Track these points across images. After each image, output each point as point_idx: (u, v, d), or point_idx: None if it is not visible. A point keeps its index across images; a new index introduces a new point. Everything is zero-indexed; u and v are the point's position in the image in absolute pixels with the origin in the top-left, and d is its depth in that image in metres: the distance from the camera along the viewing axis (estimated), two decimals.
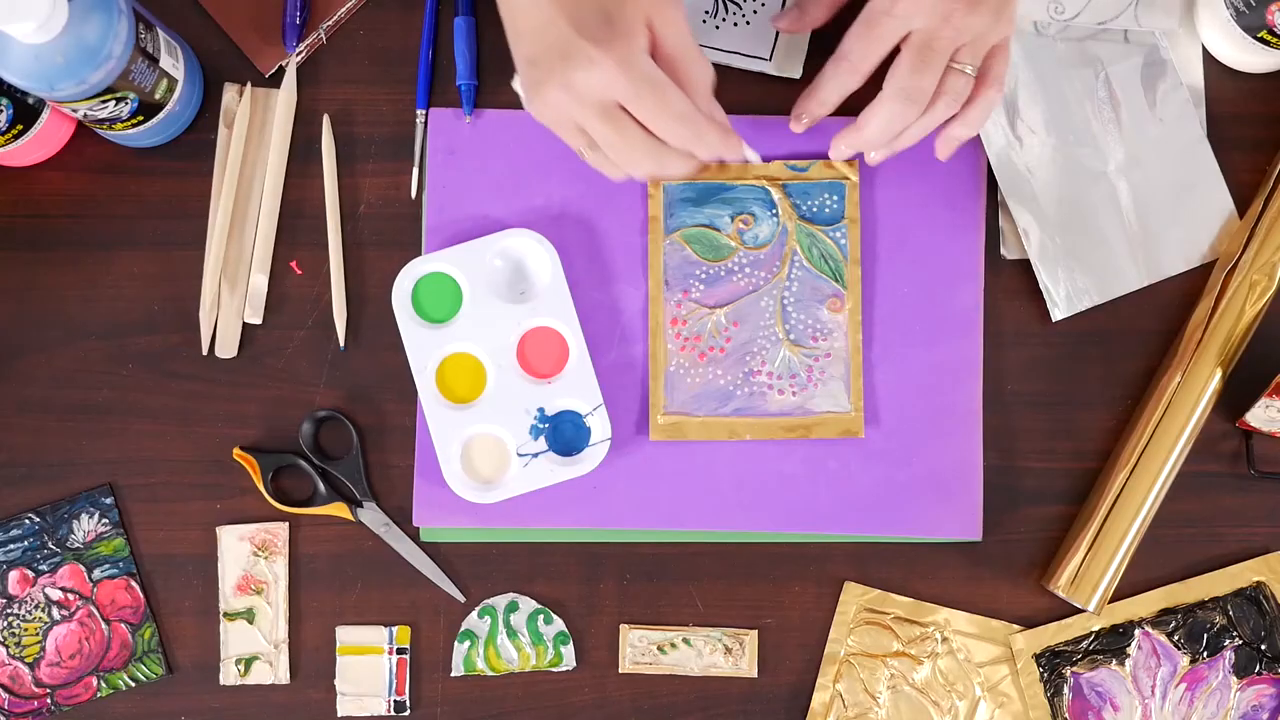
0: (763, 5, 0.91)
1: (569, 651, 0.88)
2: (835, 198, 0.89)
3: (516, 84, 0.84)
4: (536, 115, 0.77)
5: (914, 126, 0.82)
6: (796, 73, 0.90)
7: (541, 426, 0.87)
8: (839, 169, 0.89)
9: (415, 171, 0.90)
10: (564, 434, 0.87)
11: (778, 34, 0.90)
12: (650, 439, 0.87)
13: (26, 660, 0.88)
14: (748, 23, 0.91)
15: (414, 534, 0.89)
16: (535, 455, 0.87)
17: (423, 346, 0.87)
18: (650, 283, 0.88)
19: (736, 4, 0.91)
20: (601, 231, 0.89)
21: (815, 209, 0.89)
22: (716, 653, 0.88)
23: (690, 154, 0.77)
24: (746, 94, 0.91)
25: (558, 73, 0.73)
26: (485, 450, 0.88)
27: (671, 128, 0.75)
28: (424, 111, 0.90)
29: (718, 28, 0.91)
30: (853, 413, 0.87)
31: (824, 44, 0.87)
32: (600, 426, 0.87)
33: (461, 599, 0.88)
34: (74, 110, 0.82)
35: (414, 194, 0.90)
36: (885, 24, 0.80)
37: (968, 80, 0.81)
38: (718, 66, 0.89)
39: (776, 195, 0.89)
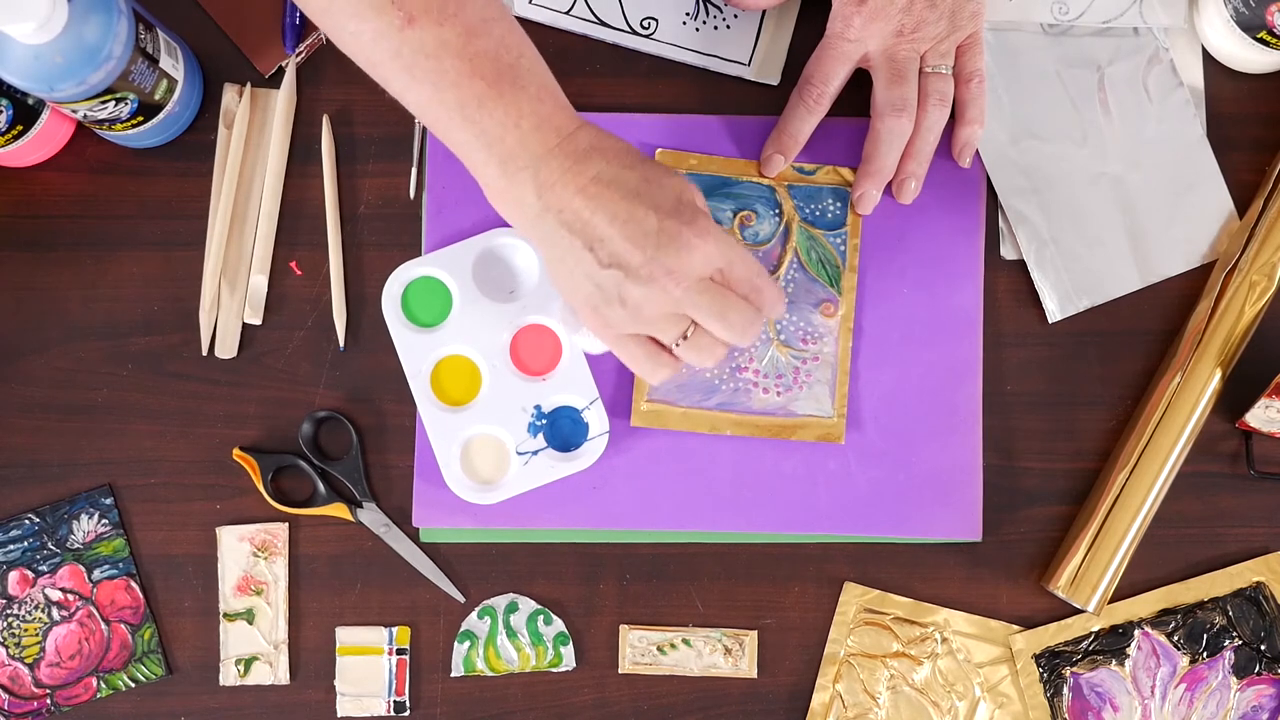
0: (743, 10, 0.91)
1: (569, 652, 0.88)
2: (839, 203, 0.89)
3: (563, 321, 0.84)
4: (617, 323, 0.75)
5: (918, 141, 0.85)
6: (775, 79, 0.90)
7: (539, 424, 0.87)
8: (845, 175, 0.89)
9: (414, 171, 0.90)
10: (562, 430, 0.88)
11: (757, 39, 0.91)
12: (631, 425, 0.87)
13: (26, 661, 0.88)
14: (728, 26, 0.91)
15: (414, 534, 0.89)
16: (535, 453, 0.87)
17: (416, 351, 0.88)
18: None
19: (717, 7, 0.91)
20: None
21: (818, 213, 0.89)
22: (716, 653, 0.88)
23: (762, 316, 0.77)
24: (724, 97, 0.91)
25: (657, 261, 0.72)
26: (484, 450, 0.88)
27: (757, 282, 0.76)
28: None
29: (698, 30, 0.91)
30: (835, 418, 0.87)
31: (804, 53, 0.88)
32: (598, 420, 0.87)
33: (461, 599, 0.88)
34: (74, 111, 0.82)
35: (413, 194, 0.90)
36: (842, 47, 0.85)
37: (946, 79, 0.86)
38: (696, 69, 0.90)
39: (781, 195, 0.89)
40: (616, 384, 0.88)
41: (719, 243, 0.74)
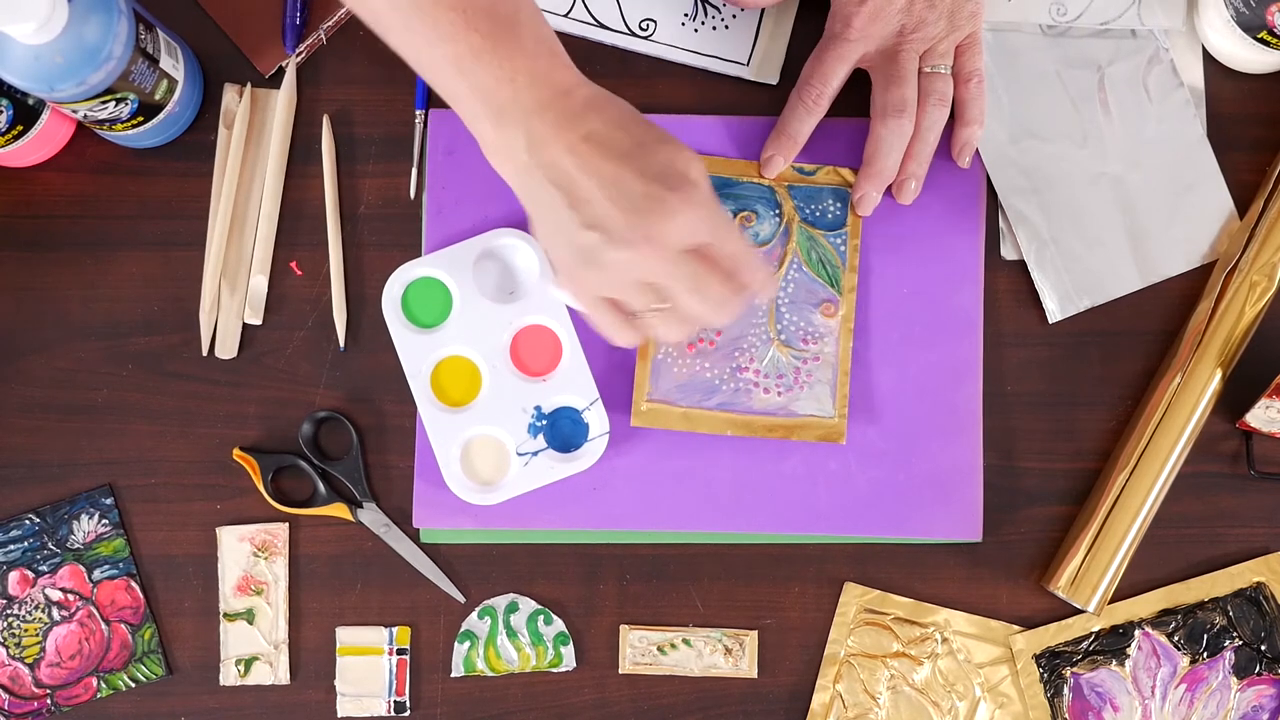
0: (742, 10, 0.91)
1: (569, 652, 0.88)
2: (839, 204, 0.89)
3: (543, 275, 0.84)
4: (590, 286, 0.75)
5: (918, 142, 0.85)
6: (774, 78, 0.90)
7: (539, 424, 0.87)
8: (845, 175, 0.89)
9: (414, 172, 0.90)
10: (562, 430, 0.87)
11: (756, 39, 0.91)
12: (631, 424, 0.87)
13: (26, 661, 0.88)
14: (726, 27, 0.91)
15: (414, 535, 0.89)
16: (535, 454, 0.87)
17: (416, 352, 0.87)
18: None
19: (715, 8, 0.91)
20: None
21: (818, 213, 0.89)
22: (716, 653, 0.88)
23: (743, 295, 0.76)
24: (723, 98, 0.91)
25: (637, 227, 0.71)
26: (485, 451, 0.88)
27: (742, 259, 0.75)
28: (423, 112, 0.90)
29: (696, 31, 0.91)
30: (836, 418, 0.87)
31: (803, 53, 0.88)
32: (598, 421, 0.87)
33: (461, 600, 0.88)
34: (74, 111, 0.82)
35: (413, 194, 0.90)
36: (842, 47, 0.85)
37: (945, 79, 0.86)
38: (695, 70, 0.90)
39: (780, 196, 0.89)
40: (616, 384, 0.88)
41: (705, 214, 0.72)
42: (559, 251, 0.74)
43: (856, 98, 0.88)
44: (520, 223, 0.88)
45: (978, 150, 0.89)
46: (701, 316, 0.75)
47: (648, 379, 0.88)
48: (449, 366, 0.88)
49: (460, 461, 0.87)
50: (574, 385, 0.87)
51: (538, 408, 0.87)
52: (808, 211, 0.89)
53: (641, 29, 0.91)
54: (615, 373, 0.88)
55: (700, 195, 0.72)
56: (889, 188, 0.88)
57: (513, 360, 0.88)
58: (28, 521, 0.88)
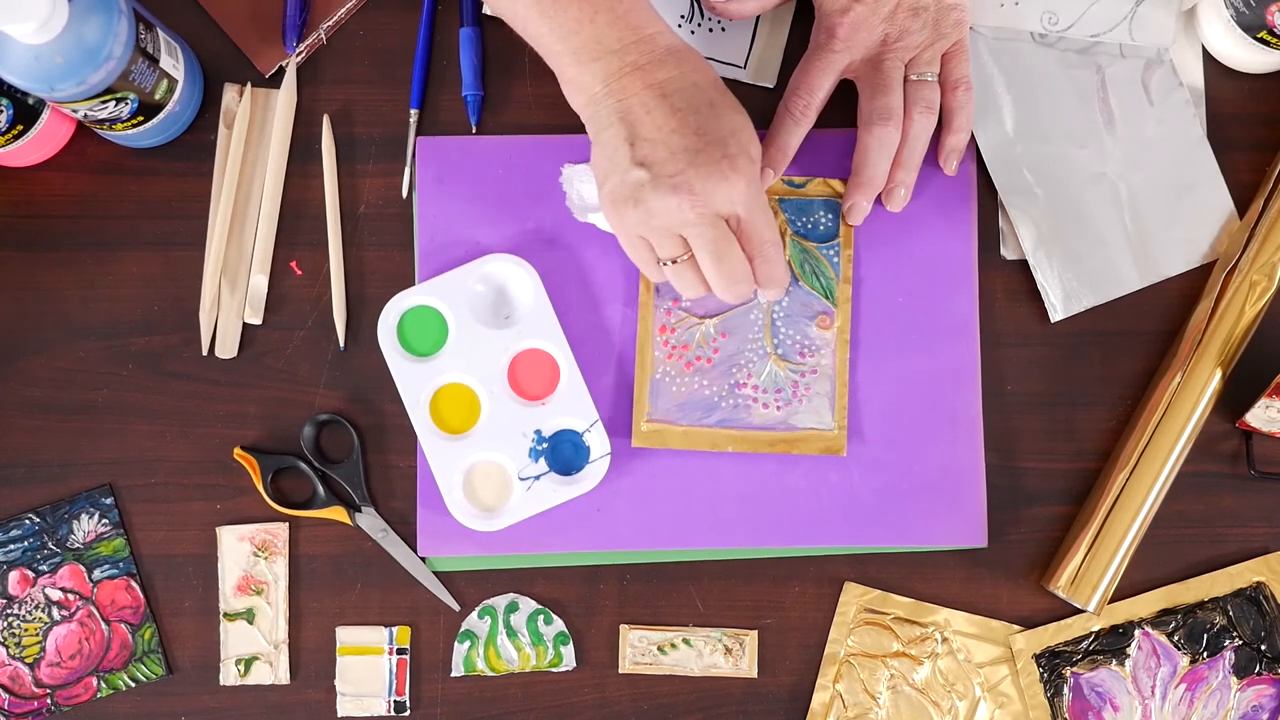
0: (731, 20, 0.90)
1: (569, 652, 0.88)
2: (830, 215, 0.89)
3: (572, 204, 0.85)
4: (629, 222, 0.78)
5: (906, 149, 0.85)
6: (771, 81, 0.90)
7: (540, 448, 0.87)
8: (835, 187, 0.89)
9: (406, 172, 0.90)
10: (563, 453, 0.87)
11: (753, 42, 0.90)
12: (632, 445, 0.87)
13: (26, 660, 0.88)
14: (723, 29, 0.91)
15: (411, 538, 0.88)
16: (537, 478, 0.86)
17: (414, 381, 0.87)
18: (641, 290, 0.88)
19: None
20: (594, 253, 0.89)
21: (810, 225, 0.89)
22: (716, 653, 0.88)
23: (751, 282, 0.80)
24: None
25: (685, 177, 0.75)
26: (486, 477, 0.87)
27: (767, 249, 0.79)
28: (417, 111, 0.90)
29: (693, 33, 0.91)
30: (836, 430, 0.87)
31: (800, 55, 0.87)
32: (599, 442, 0.86)
33: (456, 608, 0.88)
34: (74, 111, 0.82)
35: (404, 193, 0.90)
36: (826, 57, 0.85)
37: (932, 86, 0.86)
38: None
39: (772, 209, 0.89)
40: (616, 405, 0.88)
41: (750, 191, 0.76)
42: (609, 182, 0.77)
43: (845, 108, 0.87)
44: (511, 247, 0.88)
45: (968, 154, 0.89)
46: (713, 284, 0.79)
47: (647, 399, 0.87)
48: (447, 394, 0.88)
49: (463, 489, 0.87)
50: (573, 408, 0.87)
51: (538, 431, 0.87)
52: (799, 224, 0.89)
53: None
54: (615, 394, 0.88)
55: (753, 172, 0.76)
56: (879, 196, 0.87)
57: (511, 385, 0.87)
58: (28, 521, 0.88)
